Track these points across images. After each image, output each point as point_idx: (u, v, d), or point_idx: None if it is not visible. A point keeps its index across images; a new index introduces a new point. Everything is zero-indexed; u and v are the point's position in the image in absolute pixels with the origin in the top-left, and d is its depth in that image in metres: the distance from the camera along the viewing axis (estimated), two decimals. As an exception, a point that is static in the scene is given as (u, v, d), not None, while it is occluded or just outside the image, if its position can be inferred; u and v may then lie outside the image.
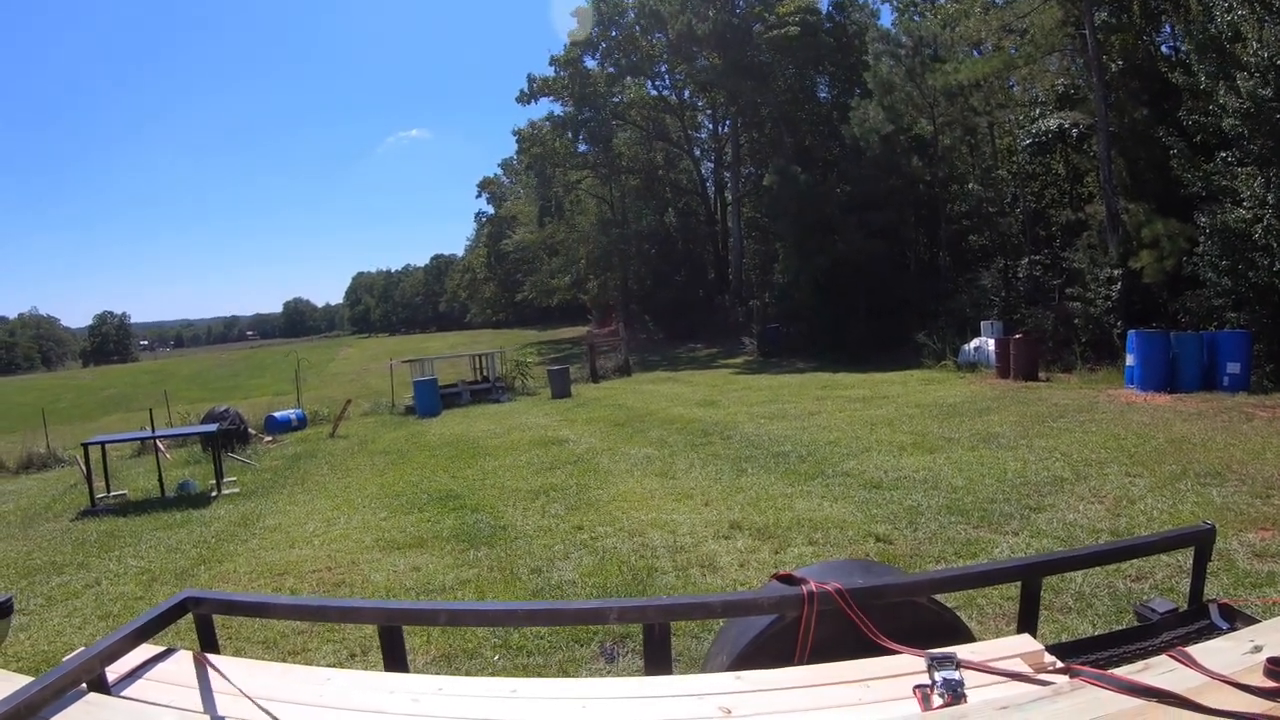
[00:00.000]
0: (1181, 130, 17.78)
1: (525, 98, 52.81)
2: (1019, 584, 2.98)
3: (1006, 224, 28.02)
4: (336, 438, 19.95)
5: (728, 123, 49.03)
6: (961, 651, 2.24)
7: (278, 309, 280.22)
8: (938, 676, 2.07)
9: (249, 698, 2.21)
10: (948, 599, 3.93)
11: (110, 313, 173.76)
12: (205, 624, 2.85)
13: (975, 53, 28.19)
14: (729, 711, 2.06)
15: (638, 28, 48.21)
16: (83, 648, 2.45)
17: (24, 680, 2.17)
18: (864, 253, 30.53)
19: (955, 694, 2.01)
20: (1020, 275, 25.95)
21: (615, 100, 51.83)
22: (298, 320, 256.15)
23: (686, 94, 51.84)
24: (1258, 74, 15.14)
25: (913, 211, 32.07)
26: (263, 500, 12.70)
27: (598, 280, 60.77)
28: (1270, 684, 1.87)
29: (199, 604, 2.81)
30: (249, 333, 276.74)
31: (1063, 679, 2.06)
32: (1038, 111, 25.75)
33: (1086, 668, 2.12)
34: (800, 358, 31.80)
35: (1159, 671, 1.98)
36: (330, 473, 14.94)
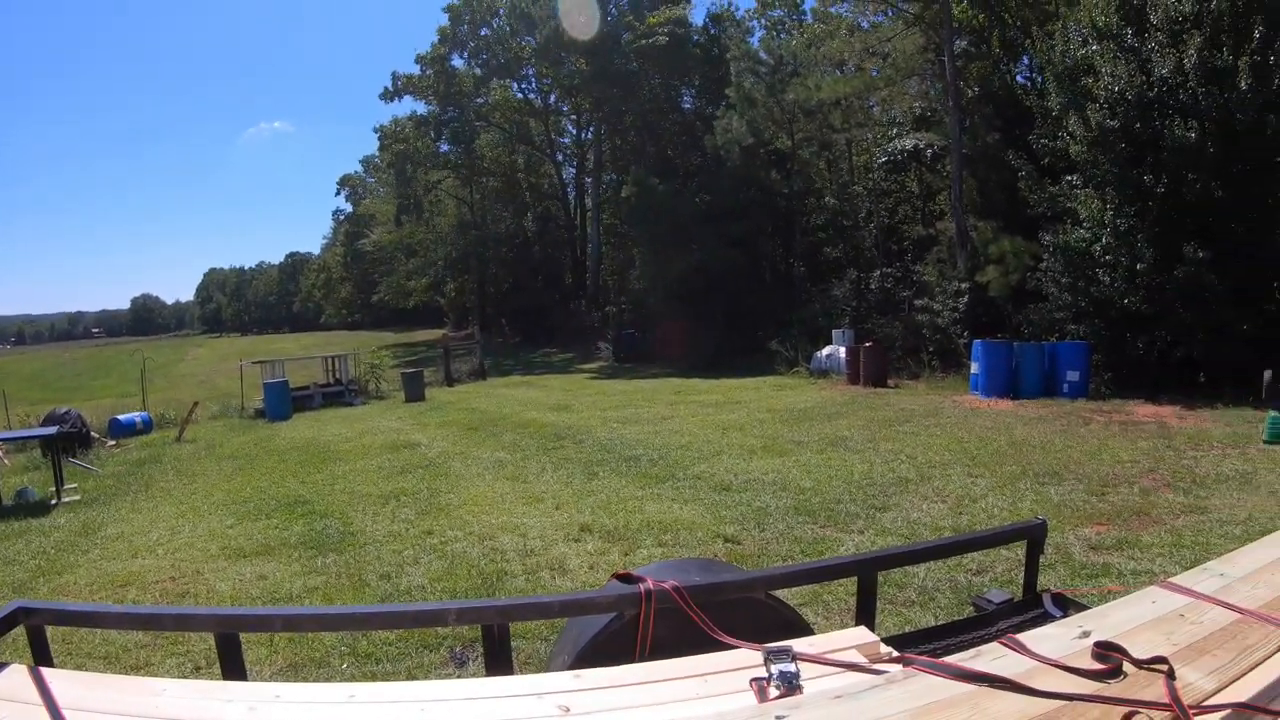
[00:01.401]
0: (1030, 154, 18.39)
1: (389, 95, 52.21)
2: (857, 580, 3.08)
3: (860, 237, 28.91)
4: (183, 442, 18.90)
5: (591, 129, 49.20)
6: (798, 645, 2.26)
7: (125, 305, 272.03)
8: (774, 669, 2.09)
9: (82, 711, 2.10)
10: (791, 596, 4.16)
11: None
12: (38, 636, 2.71)
13: (839, 72, 28.84)
14: (567, 710, 2.04)
15: (508, 28, 47.90)
16: None
17: None
18: (721, 261, 30.81)
19: (791, 685, 2.03)
20: (872, 286, 26.56)
21: (480, 101, 51.61)
22: (146, 318, 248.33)
23: (553, 98, 51.80)
24: (1106, 106, 15.77)
25: (770, 222, 32.47)
26: (105, 508, 11.90)
27: (455, 283, 60.49)
28: (1097, 666, 1.98)
29: (30, 614, 2.67)
30: (94, 330, 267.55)
31: (897, 668, 2.12)
32: (895, 131, 26.61)
33: (920, 656, 2.22)
34: (655, 364, 31.99)
35: (990, 658, 2.08)
36: (176, 478, 14.15)
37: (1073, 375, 15.82)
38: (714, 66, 37.28)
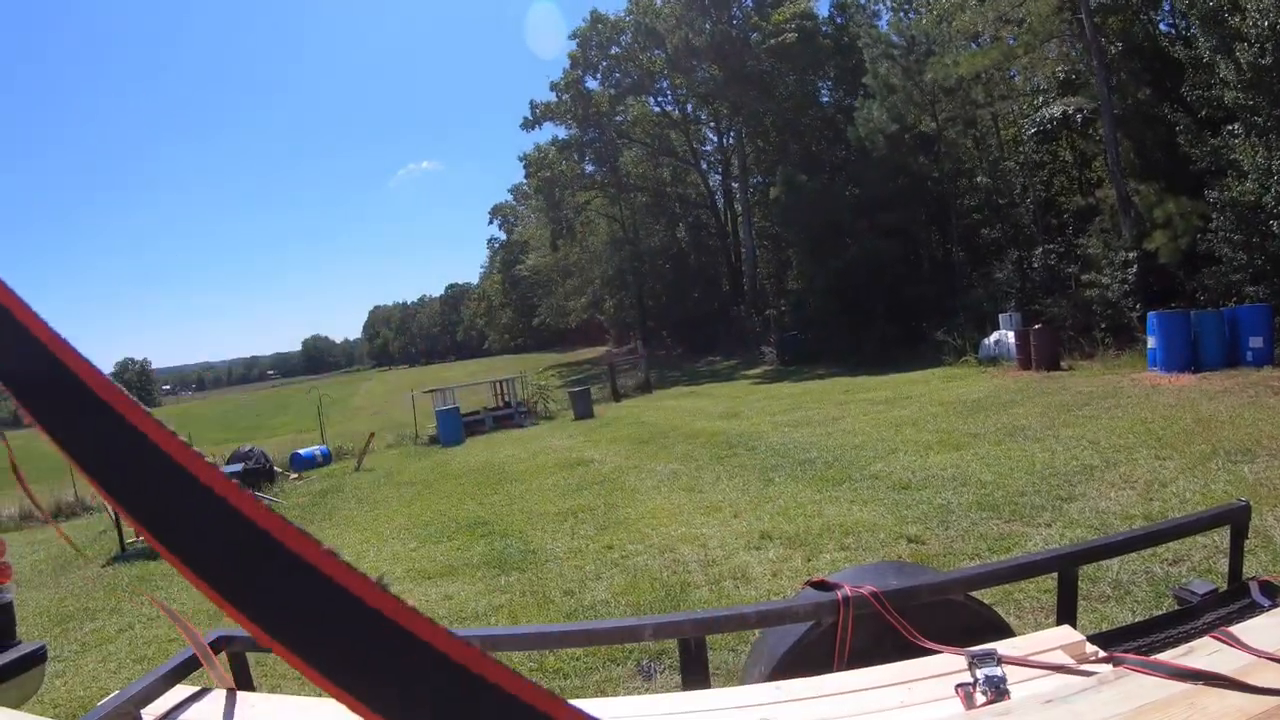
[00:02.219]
0: (1186, 106, 17.71)
1: (529, 124, 53.12)
2: (1055, 576, 2.98)
3: (1017, 215, 27.76)
4: (362, 471, 20.08)
5: (732, 134, 48.87)
6: (1002, 647, 2.22)
7: (297, 347, 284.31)
8: (979, 674, 2.05)
9: None
10: (985, 596, 3.88)
11: (131, 359, 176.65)
12: (239, 662, 2.87)
13: (974, 45, 28.04)
14: None
15: (636, 45, 48.46)
16: (117, 691, 2.48)
17: None
18: (877, 254, 30.47)
19: (998, 690, 2.00)
20: (1035, 265, 25.69)
21: (618, 119, 52.01)
22: (317, 357, 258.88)
23: (689, 108, 51.76)
24: (1256, 44, 15.04)
25: (923, 209, 31.87)
26: None
27: (613, 299, 61.13)
28: None
29: (230, 642, 2.83)
30: (270, 372, 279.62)
31: (1106, 668, 2.05)
32: (1040, 100, 25.58)
33: (1130, 655, 2.12)
34: (820, 364, 31.58)
35: (1204, 654, 1.98)
36: (357, 506, 15.04)
37: (1256, 342, 15.00)
38: (846, 56, 36.66)
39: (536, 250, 73.99)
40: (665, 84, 50.33)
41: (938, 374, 22.26)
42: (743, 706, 2.18)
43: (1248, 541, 5.64)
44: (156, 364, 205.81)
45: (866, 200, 32.01)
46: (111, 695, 2.42)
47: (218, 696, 2.54)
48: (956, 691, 2.06)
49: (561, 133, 53.86)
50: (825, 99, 41.30)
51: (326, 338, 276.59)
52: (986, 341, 23.17)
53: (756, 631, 3.25)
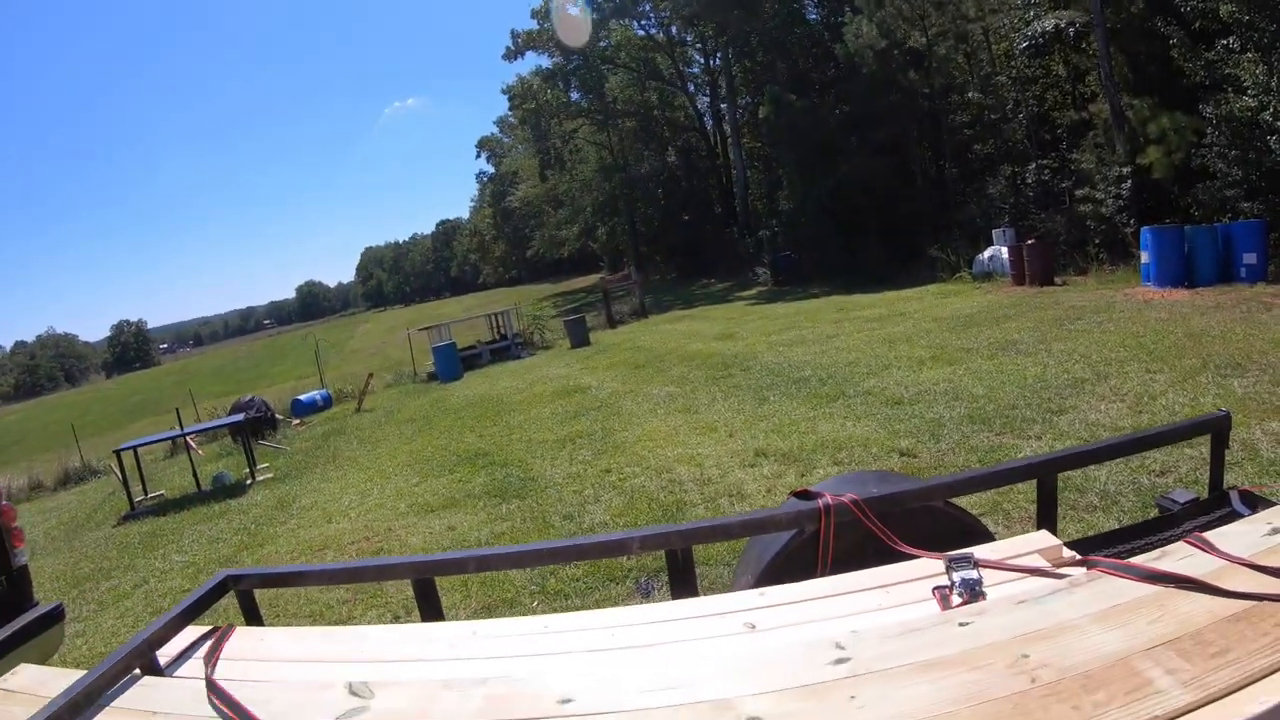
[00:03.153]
0: (1180, 19, 17.46)
1: (511, 54, 53.00)
2: (1036, 483, 3.05)
3: (1010, 130, 27.51)
4: (363, 412, 20.47)
5: (719, 55, 48.38)
6: (979, 551, 2.32)
7: (291, 294, 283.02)
8: (956, 577, 2.15)
9: (293, 662, 2.40)
10: (971, 506, 4.15)
11: (127, 321, 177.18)
12: (247, 600, 3.02)
13: None
14: (753, 626, 2.15)
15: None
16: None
17: (81, 674, 2.32)
18: (869, 171, 30.36)
19: (973, 592, 2.09)
20: (1029, 180, 25.61)
21: (602, 45, 51.53)
22: (312, 303, 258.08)
23: (674, 30, 51.15)
24: None
25: (914, 125, 31.52)
26: (297, 482, 13.14)
27: (605, 227, 61.09)
28: None
29: (238, 581, 2.98)
30: (266, 321, 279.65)
31: (1080, 571, 2.13)
32: (1032, 13, 25.26)
33: (1104, 559, 2.21)
34: (815, 283, 31.67)
35: (1177, 558, 2.05)
36: (360, 446, 15.39)
37: (1250, 258, 15.00)
38: None
39: (526, 181, 73.88)
40: (648, 6, 49.72)
41: (932, 290, 22.42)
42: (727, 612, 2.28)
43: (1234, 454, 5.76)
44: (153, 323, 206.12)
45: (857, 117, 31.77)
46: (126, 642, 2.50)
47: (229, 633, 2.63)
48: (933, 594, 2.14)
49: (545, 61, 53.71)
50: (812, 16, 40.72)
51: (321, 283, 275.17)
52: (980, 257, 23.19)
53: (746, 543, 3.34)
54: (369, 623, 5.80)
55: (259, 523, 10.67)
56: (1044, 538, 2.43)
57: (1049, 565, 2.22)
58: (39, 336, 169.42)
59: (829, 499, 2.70)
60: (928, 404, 9.50)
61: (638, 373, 16.90)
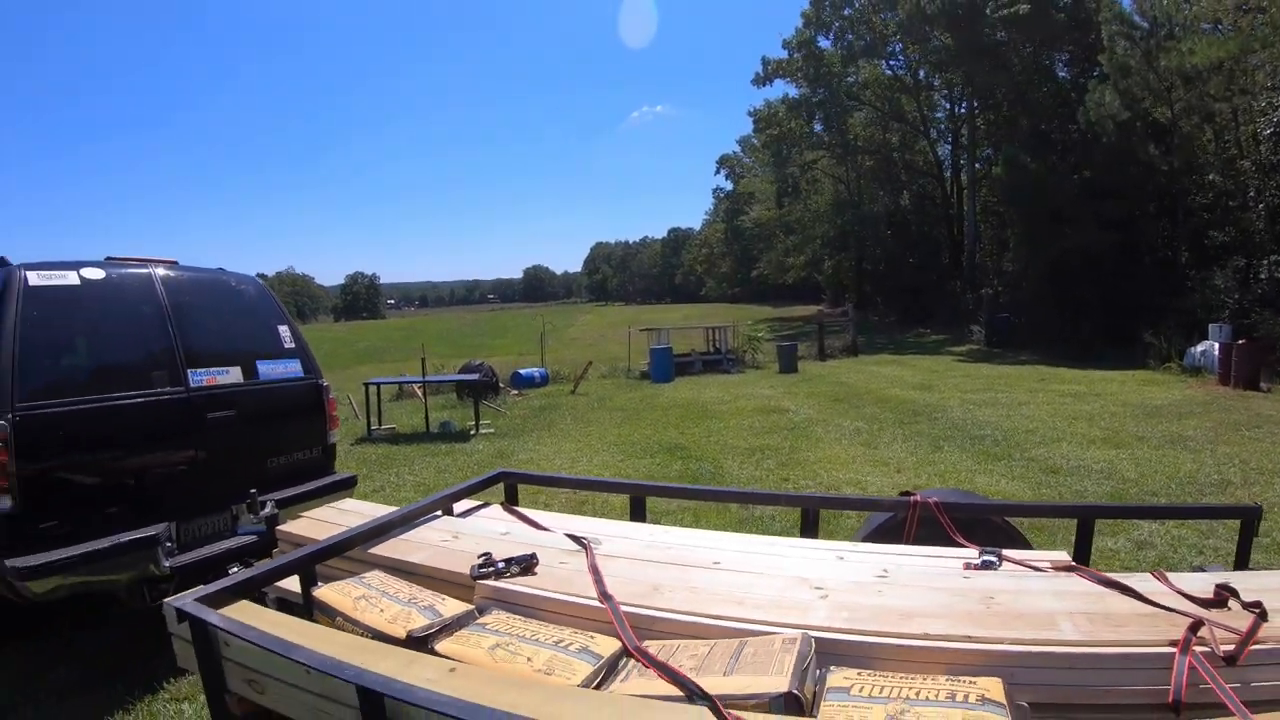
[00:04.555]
0: None
1: (760, 80, 54.03)
2: (1077, 521, 4.05)
3: (1248, 220, 26.54)
4: (577, 395, 22.07)
5: (964, 104, 47.95)
6: (1008, 551, 3.28)
7: (518, 275, 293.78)
8: (980, 559, 3.15)
9: (538, 525, 3.90)
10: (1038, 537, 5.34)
11: (361, 273, 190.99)
12: (511, 490, 4.74)
13: (1217, 30, 26.70)
14: (842, 558, 3.30)
15: (869, 7, 48.40)
16: (438, 492, 4.45)
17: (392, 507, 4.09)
18: (1097, 245, 29.74)
19: (987, 567, 3.09)
20: (1261, 276, 24.75)
21: (849, 81, 52.07)
22: (536, 286, 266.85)
23: (922, 74, 51.09)
24: None
25: (1149, 203, 30.78)
26: (515, 440, 14.92)
27: (832, 261, 61.49)
28: (1209, 597, 2.59)
29: (509, 477, 4.79)
30: (490, 296, 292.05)
31: (1067, 573, 2.96)
32: (1280, 98, 24.46)
33: (1084, 568, 3.05)
34: (1026, 349, 31.43)
35: (1137, 579, 2.78)
36: (573, 423, 17.01)
37: None
38: (1084, 31, 35.53)
39: (761, 203, 74.87)
40: (899, 48, 49.94)
41: (1136, 376, 22.07)
42: (828, 549, 3.50)
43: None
44: (384, 279, 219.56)
45: (1091, 187, 31.16)
46: (433, 494, 4.28)
47: (498, 506, 4.34)
48: (962, 565, 3.12)
49: (792, 90, 54.50)
50: (1062, 75, 40.01)
51: (547, 268, 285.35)
52: (1193, 350, 22.40)
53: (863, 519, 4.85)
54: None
55: (480, 465, 12.16)
56: (1061, 555, 3.32)
57: (1048, 567, 3.08)
58: (279, 272, 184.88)
59: (919, 497, 3.95)
60: (1080, 477, 10.09)
61: (834, 405, 17.73)
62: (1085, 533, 3.93)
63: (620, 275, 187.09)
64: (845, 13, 49.72)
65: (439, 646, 2.54)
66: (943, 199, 53.17)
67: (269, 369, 6.26)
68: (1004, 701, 2.07)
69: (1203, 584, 2.69)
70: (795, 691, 2.09)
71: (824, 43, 51.53)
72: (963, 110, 48.82)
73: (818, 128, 55.55)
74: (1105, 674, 2.31)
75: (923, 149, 54.73)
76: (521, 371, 25.25)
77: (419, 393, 19.77)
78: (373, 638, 2.64)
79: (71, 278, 5.19)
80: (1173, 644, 2.33)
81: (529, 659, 2.40)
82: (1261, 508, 3.83)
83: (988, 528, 3.97)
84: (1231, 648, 2.32)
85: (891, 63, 51.91)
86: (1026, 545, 3.92)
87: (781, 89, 54.91)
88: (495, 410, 18.84)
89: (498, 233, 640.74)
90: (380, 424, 16.70)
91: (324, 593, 3.00)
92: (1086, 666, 2.32)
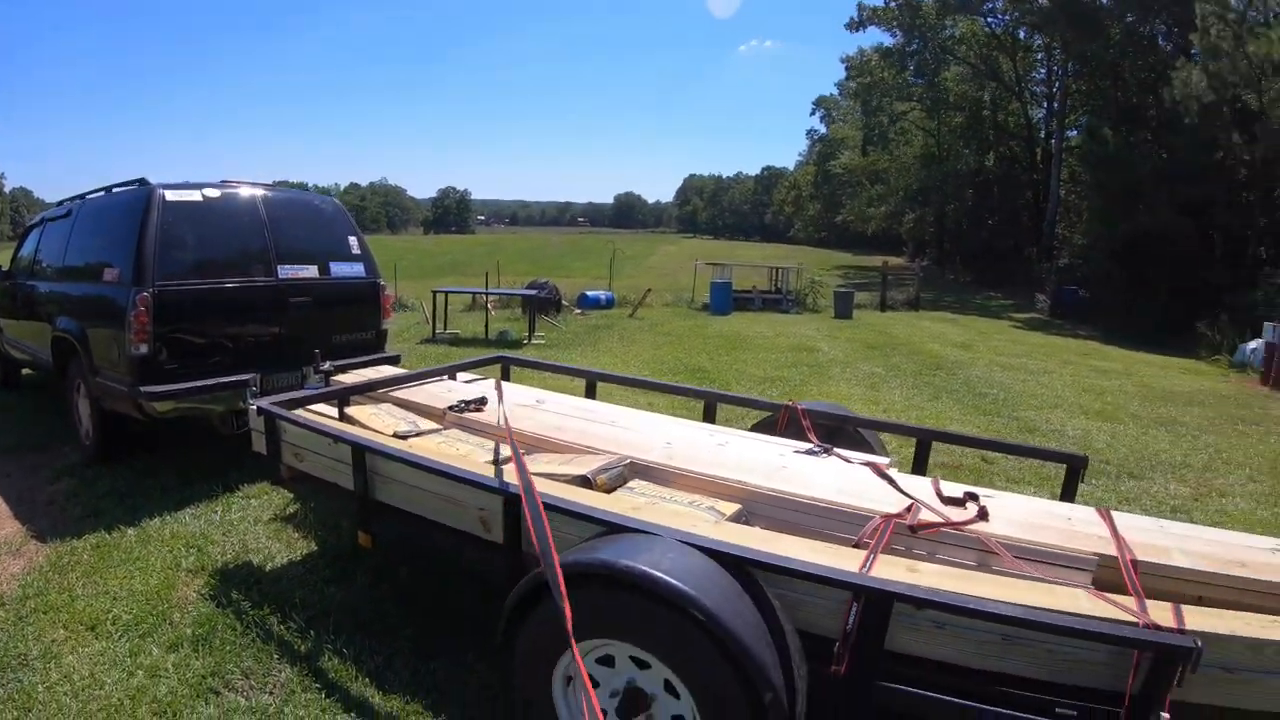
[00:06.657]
0: None
1: (854, 25, 54.05)
2: (914, 441, 5.08)
3: None
4: (634, 319, 23.96)
5: (1059, 69, 47.58)
6: (841, 450, 4.41)
7: (609, 200, 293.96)
8: (819, 448, 4.41)
9: (505, 391, 5.39)
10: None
11: (453, 188, 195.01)
12: (505, 371, 6.81)
13: None
14: (704, 431, 4.96)
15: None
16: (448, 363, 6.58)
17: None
18: (1171, 228, 29.62)
19: (810, 455, 4.32)
20: None
21: (946, 33, 52.17)
22: (627, 212, 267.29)
23: (1022, 33, 50.22)
24: None
25: (1228, 192, 30.39)
26: (560, 351, 16.83)
27: (914, 214, 61.91)
28: (959, 498, 3.54)
29: (504, 360, 6.90)
30: (580, 219, 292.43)
31: (865, 467, 4.15)
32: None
33: (886, 469, 4.13)
34: (1085, 325, 31.30)
35: (911, 480, 4.16)
36: (618, 342, 18.76)
37: None
38: (1183, 7, 33.36)
39: (851, 149, 75.07)
40: (999, 3, 48.76)
41: (1180, 364, 21.93)
42: (703, 428, 5.07)
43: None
44: (476, 195, 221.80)
45: (1170, 168, 31.15)
46: (443, 364, 6.39)
47: (490, 381, 5.98)
48: (792, 453, 4.36)
49: (886, 38, 54.80)
50: (1163, 43, 38.97)
51: (639, 195, 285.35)
52: (1245, 346, 21.91)
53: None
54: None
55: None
56: (882, 460, 4.28)
57: (860, 463, 4.14)
58: (372, 183, 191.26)
59: (794, 405, 5.05)
60: (1055, 439, 10.44)
61: (866, 351, 18.49)
62: (923, 453, 4.92)
63: (711, 209, 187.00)
64: (947, -39, 49.40)
65: (411, 441, 4.38)
66: (1029, 164, 52.73)
67: (339, 268, 8.10)
68: (725, 514, 3.50)
69: (963, 492, 3.60)
70: (587, 475, 3.81)
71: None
72: (1059, 74, 48.25)
73: (913, 80, 55.87)
74: (815, 519, 3.50)
75: (1015, 110, 53.92)
76: (589, 293, 27.31)
77: (489, 305, 22.41)
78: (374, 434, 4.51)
79: (196, 195, 7.17)
80: (885, 516, 3.28)
81: (458, 449, 4.28)
82: (1087, 458, 4.44)
83: (850, 437, 4.95)
84: (914, 523, 3.19)
85: (989, 19, 50.85)
86: (884, 454, 4.85)
87: (876, 36, 55.02)
88: (552, 325, 20.99)
89: (593, 156, 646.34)
90: (445, 328, 19.27)
91: (351, 410, 5.06)
92: (802, 511, 3.53)
